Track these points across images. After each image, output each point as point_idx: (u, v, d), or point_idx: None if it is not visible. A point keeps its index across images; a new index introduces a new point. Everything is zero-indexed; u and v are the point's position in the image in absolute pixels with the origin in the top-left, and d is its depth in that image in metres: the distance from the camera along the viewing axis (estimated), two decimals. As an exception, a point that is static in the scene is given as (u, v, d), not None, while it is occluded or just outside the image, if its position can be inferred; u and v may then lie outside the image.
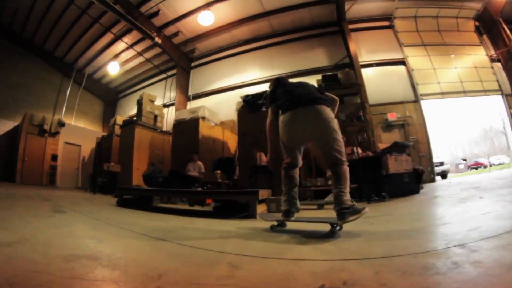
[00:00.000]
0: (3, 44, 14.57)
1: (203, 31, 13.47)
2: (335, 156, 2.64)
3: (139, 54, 15.22)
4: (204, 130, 9.74)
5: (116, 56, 15.80)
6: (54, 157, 13.57)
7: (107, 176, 10.88)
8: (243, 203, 4.66)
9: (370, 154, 7.98)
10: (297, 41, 13.04)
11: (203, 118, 9.84)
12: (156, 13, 12.75)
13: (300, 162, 3.01)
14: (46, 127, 13.31)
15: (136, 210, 5.17)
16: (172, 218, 4.29)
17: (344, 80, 10.10)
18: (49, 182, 13.04)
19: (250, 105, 8.66)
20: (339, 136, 2.69)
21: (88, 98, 18.39)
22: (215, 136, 10.27)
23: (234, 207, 4.93)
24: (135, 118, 11.14)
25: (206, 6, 12.01)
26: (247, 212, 4.35)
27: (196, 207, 6.24)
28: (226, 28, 13.04)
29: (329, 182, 6.40)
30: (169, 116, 14.45)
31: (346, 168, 2.64)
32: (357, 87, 10.26)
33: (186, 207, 6.35)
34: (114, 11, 11.30)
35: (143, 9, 12.46)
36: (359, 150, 8.26)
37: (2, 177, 12.06)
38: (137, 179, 9.44)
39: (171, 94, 15.46)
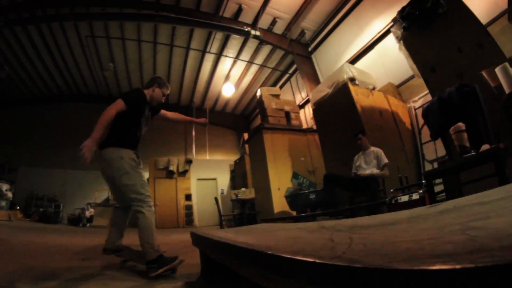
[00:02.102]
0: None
1: (299, 2, 9.84)
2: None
3: (249, 62, 12.66)
4: (361, 98, 5.83)
5: (227, 77, 13.66)
6: (188, 196, 12.61)
7: (242, 206, 8.22)
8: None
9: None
10: None
11: (352, 80, 6.02)
12: (239, 11, 10.06)
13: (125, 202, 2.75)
14: (173, 167, 12.45)
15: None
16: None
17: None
18: (187, 223, 12.10)
19: (416, 17, 4.62)
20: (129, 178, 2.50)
21: (218, 131, 17.22)
22: (380, 106, 6.20)
23: None
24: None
25: None
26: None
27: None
28: None
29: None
30: (308, 116, 11.16)
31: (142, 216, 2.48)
32: None
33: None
34: (198, 24, 9.79)
35: (222, 13, 10.06)
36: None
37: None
38: (281, 203, 6.60)
39: (302, 93, 12.11)
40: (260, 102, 8.50)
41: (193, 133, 15.87)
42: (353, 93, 5.66)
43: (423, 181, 3.24)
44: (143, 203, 2.52)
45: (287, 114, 8.45)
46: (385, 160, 4.82)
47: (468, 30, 4.17)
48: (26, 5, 8.97)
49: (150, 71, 13.54)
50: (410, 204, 3.38)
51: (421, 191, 3.37)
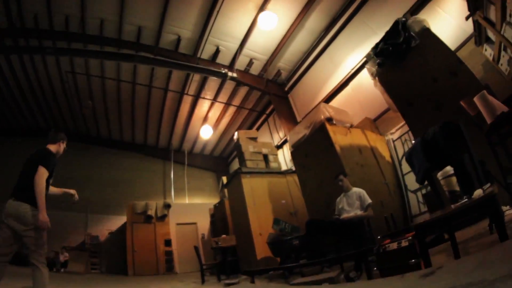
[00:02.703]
0: (99, 150, 15.29)
1: (275, 43, 9.96)
2: None
3: (227, 104, 12.54)
4: (339, 137, 5.64)
5: (205, 119, 13.46)
6: (168, 242, 11.84)
7: (224, 253, 7.67)
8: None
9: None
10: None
11: (330, 120, 5.85)
12: (217, 52, 10.11)
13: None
14: (151, 212, 11.80)
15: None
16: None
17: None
18: (167, 270, 11.21)
19: (389, 52, 4.63)
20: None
21: (197, 174, 16.67)
22: (358, 143, 6.03)
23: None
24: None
25: (260, 9, 8.55)
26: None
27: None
28: (296, 24, 9.22)
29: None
30: (286, 157, 10.97)
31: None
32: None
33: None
34: (176, 66, 9.55)
35: (200, 54, 10.01)
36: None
37: (117, 271, 11.04)
38: (263, 249, 6.21)
39: (280, 133, 11.92)
40: (237, 146, 8.26)
41: (172, 175, 15.31)
42: (331, 133, 5.48)
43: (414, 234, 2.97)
44: (42, 259, 2.72)
45: (265, 157, 8.23)
46: (369, 200, 4.59)
47: (441, 60, 4.22)
48: (10, 32, 8.68)
49: (129, 112, 13.27)
50: (400, 254, 3.07)
51: (409, 237, 3.08)
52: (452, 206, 2.26)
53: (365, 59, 6.89)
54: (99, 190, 13.82)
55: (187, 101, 12.59)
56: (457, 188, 2.23)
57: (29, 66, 10.80)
